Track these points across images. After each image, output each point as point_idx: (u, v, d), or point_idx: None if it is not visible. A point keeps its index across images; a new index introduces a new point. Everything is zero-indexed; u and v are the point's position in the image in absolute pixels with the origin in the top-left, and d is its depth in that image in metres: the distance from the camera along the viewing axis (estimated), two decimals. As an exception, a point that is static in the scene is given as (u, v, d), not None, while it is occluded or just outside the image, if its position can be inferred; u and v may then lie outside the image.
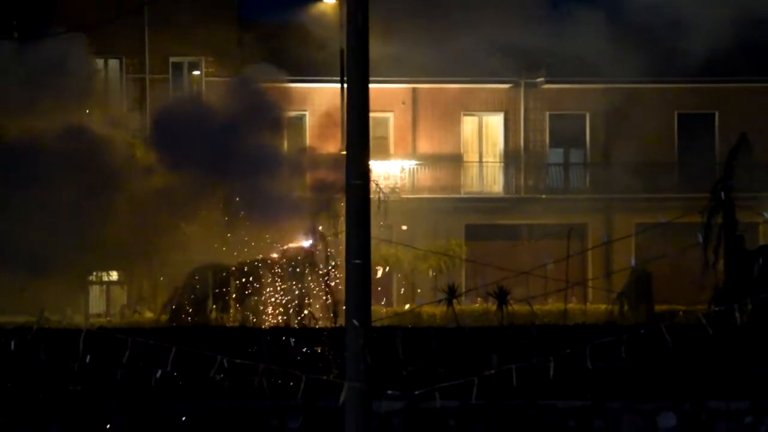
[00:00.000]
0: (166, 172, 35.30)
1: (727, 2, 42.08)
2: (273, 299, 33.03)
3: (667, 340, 13.98)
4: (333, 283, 32.34)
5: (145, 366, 14.18)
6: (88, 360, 14.98)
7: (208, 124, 35.24)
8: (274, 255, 33.65)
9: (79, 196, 33.83)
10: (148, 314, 36.53)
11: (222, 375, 13.11)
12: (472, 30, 41.66)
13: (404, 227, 38.22)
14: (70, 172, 33.77)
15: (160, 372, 13.13)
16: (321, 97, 43.33)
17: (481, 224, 44.73)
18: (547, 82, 45.65)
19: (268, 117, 36.81)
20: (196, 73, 44.40)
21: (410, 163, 45.26)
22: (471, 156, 46.35)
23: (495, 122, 46.43)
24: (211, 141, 34.15)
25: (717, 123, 46.02)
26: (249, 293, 32.68)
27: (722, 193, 31.58)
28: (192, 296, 32.41)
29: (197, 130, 34.66)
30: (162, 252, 35.23)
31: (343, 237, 13.01)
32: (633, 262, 30.98)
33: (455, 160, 45.82)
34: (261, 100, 36.83)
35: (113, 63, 43.45)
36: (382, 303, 39.77)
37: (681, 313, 33.91)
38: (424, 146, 45.69)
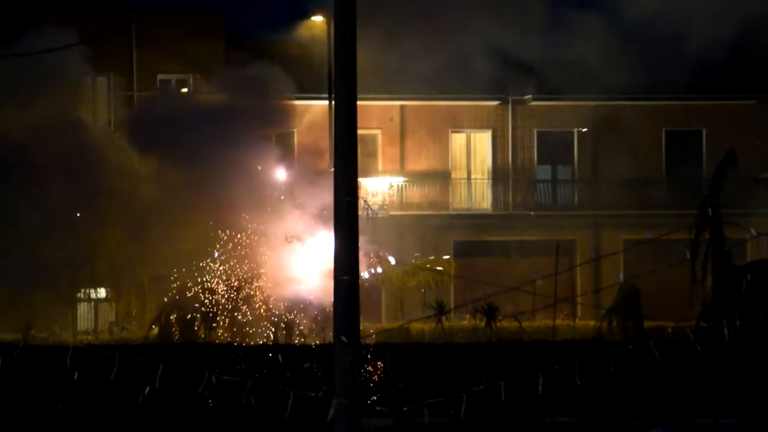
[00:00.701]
0: (154, 175, 34.98)
1: (714, 20, 42.24)
2: (262, 315, 32.98)
3: (656, 355, 13.99)
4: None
5: (133, 383, 14.15)
6: (75, 377, 14.93)
7: (197, 116, 34.62)
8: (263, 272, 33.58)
9: (67, 202, 33.58)
10: (138, 333, 36.46)
11: (209, 392, 13.08)
12: (460, 46, 41.73)
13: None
14: (61, 172, 33.49)
15: (147, 389, 13.10)
16: (310, 115, 43.37)
17: (469, 241, 44.75)
18: (535, 99, 45.75)
19: (264, 105, 35.97)
20: (185, 90, 44.40)
21: (398, 180, 45.29)
22: (459, 173, 46.41)
23: (483, 139, 46.50)
24: (200, 132, 33.50)
25: (705, 140, 46.14)
26: (237, 310, 32.61)
27: (710, 210, 31.63)
28: (180, 314, 32.34)
29: (185, 121, 34.10)
30: (151, 267, 35.11)
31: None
32: (621, 277, 30.96)
33: (443, 177, 45.87)
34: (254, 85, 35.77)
35: (101, 80, 43.42)
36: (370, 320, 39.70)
37: (669, 329, 33.97)
38: (413, 163, 45.74)
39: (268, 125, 36.86)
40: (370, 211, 35.79)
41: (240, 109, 35.12)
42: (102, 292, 41.56)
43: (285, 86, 36.90)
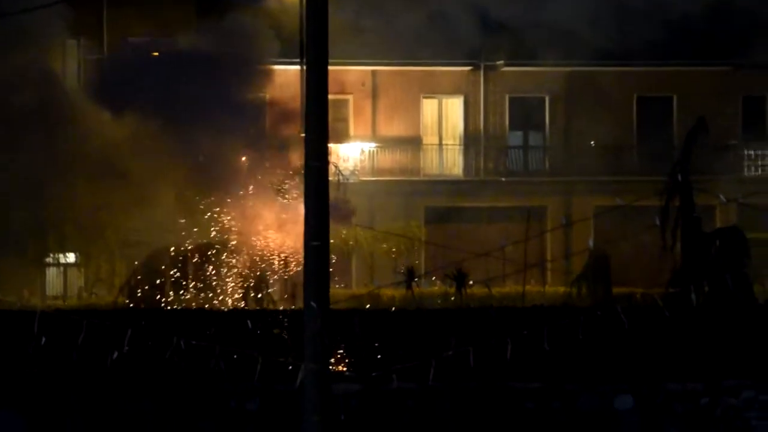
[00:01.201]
0: (124, 137, 34.67)
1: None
2: (231, 280, 32.93)
3: (624, 321, 14.06)
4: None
5: (101, 347, 14.10)
6: (43, 342, 14.86)
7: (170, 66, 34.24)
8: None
9: (36, 163, 33.26)
10: (107, 298, 36.36)
11: (178, 357, 13.08)
12: (431, 10, 41.64)
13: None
14: (29, 131, 33.18)
15: (116, 353, 13.07)
16: (280, 79, 43.18)
17: (440, 207, 44.78)
18: (507, 64, 45.71)
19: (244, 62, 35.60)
20: (156, 54, 44.12)
21: (370, 146, 45.23)
22: (431, 139, 46.38)
23: (455, 104, 46.47)
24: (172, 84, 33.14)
25: (675, 106, 46.24)
26: (207, 275, 32.56)
27: (679, 176, 31.71)
28: (148, 277, 32.24)
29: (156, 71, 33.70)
30: (119, 232, 34.95)
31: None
32: (591, 243, 31.06)
33: (415, 143, 45.83)
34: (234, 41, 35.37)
35: (71, 43, 43.08)
36: (340, 285, 39.73)
37: (638, 295, 34.10)
38: (384, 129, 45.67)
39: (244, 83, 36.63)
40: (341, 177, 35.70)
41: (213, 65, 34.89)
42: (71, 257, 41.43)
43: (259, 45, 36.76)
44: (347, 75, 43.26)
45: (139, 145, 33.93)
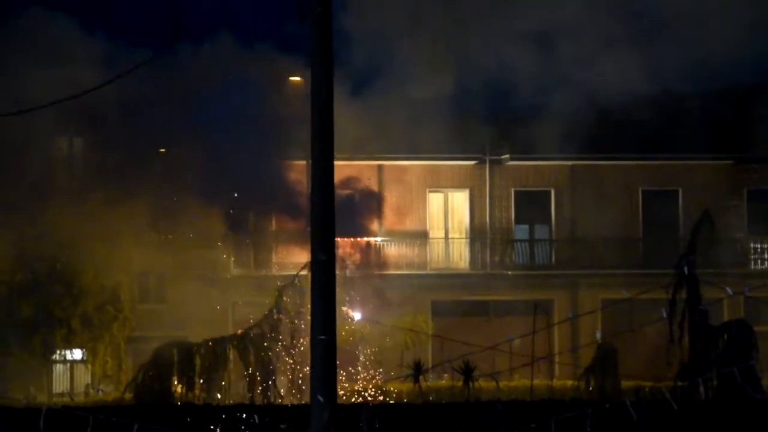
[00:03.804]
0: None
1: (685, 79, 42.65)
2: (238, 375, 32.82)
3: (632, 415, 13.99)
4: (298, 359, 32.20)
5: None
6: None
7: None
8: (239, 330, 33.49)
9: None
10: (114, 394, 36.25)
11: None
12: (436, 107, 41.97)
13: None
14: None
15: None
16: (288, 174, 43.43)
17: (447, 300, 44.73)
18: (512, 158, 45.96)
19: None
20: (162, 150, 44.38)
21: (377, 239, 45.32)
22: (437, 232, 46.48)
23: (460, 198, 46.63)
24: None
25: (681, 199, 46.37)
26: (213, 370, 32.45)
27: (686, 268, 31.71)
28: (156, 374, 32.14)
29: None
30: (126, 327, 34.97)
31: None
32: (598, 336, 30.97)
33: (421, 236, 45.92)
34: None
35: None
36: (342, 380, 39.59)
37: (647, 388, 33.92)
38: (390, 222, 45.79)
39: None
40: (347, 271, 35.74)
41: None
42: (77, 354, 41.36)
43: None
44: (353, 169, 43.47)
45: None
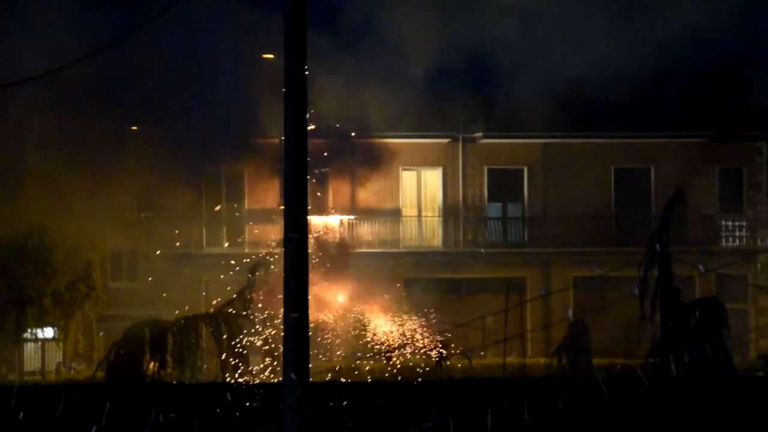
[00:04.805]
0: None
1: (665, 59, 42.69)
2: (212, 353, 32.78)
3: (604, 391, 14.04)
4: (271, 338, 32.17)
5: (80, 422, 13.99)
6: (21, 417, 14.73)
7: None
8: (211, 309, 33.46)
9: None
10: (86, 373, 36.17)
11: (157, 431, 12.98)
12: (409, 85, 41.89)
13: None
14: None
15: (94, 428, 12.96)
16: (260, 152, 43.30)
17: (420, 278, 44.74)
18: (485, 136, 45.96)
19: None
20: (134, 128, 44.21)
21: (349, 217, 45.26)
22: (410, 210, 46.46)
23: (433, 176, 46.61)
24: None
25: (653, 177, 46.47)
26: (186, 348, 32.40)
27: (658, 246, 31.83)
28: (128, 352, 32.06)
29: None
30: (98, 306, 34.87)
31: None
32: (570, 313, 31.07)
33: (394, 215, 45.90)
34: None
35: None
36: (321, 358, 39.61)
37: (619, 365, 34.06)
38: (363, 201, 45.74)
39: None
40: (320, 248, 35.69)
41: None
42: (49, 332, 41.22)
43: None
44: (326, 147, 43.37)
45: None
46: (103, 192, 36.14)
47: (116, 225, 38.55)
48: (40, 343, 41.59)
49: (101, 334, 40.16)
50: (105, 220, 37.14)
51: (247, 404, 24.02)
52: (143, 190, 37.84)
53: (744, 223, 46.57)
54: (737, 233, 46.56)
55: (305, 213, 12.86)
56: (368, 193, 45.82)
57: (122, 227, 39.24)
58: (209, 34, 39.09)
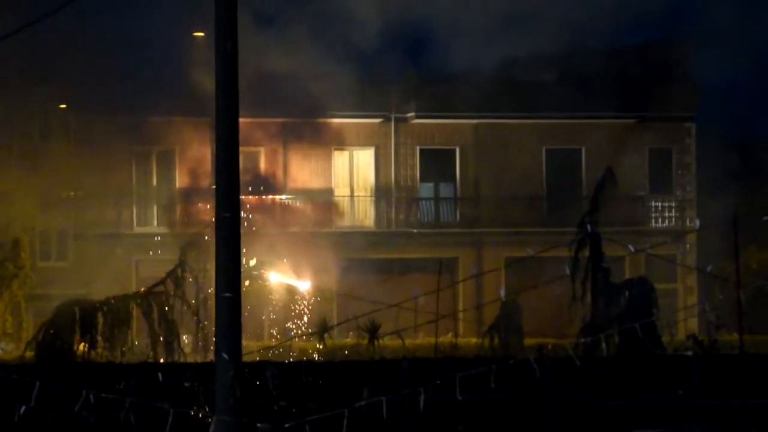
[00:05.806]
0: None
1: (590, 38, 42.97)
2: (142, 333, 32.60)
3: (536, 371, 14.11)
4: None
5: (8, 402, 13.83)
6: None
7: None
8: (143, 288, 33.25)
9: None
10: (15, 353, 35.82)
11: (87, 411, 12.85)
12: (341, 65, 41.82)
13: (253, 261, 37.77)
14: None
15: (23, 408, 12.82)
16: (191, 132, 43.05)
17: (352, 258, 44.74)
18: (418, 116, 45.99)
19: None
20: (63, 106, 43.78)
21: (281, 197, 45.13)
22: (342, 190, 46.42)
23: (366, 157, 46.58)
24: None
25: (584, 158, 46.77)
26: (116, 328, 32.18)
27: (589, 226, 32.06)
28: (57, 331, 31.77)
29: None
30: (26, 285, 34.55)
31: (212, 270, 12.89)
32: (502, 293, 31.23)
33: (326, 195, 45.83)
34: None
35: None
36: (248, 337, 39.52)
37: (550, 345, 34.28)
38: (295, 181, 45.62)
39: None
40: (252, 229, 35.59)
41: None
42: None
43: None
44: (258, 127, 43.17)
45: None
46: (31, 170, 35.79)
47: (45, 204, 38.19)
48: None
49: (30, 313, 39.79)
50: (33, 199, 36.78)
51: (179, 384, 23.91)
52: (73, 169, 37.51)
53: (673, 204, 47.04)
54: (666, 214, 47.02)
55: (237, 192, 12.79)
56: (300, 173, 45.70)
57: (51, 206, 38.88)
58: (140, 11, 38.79)
